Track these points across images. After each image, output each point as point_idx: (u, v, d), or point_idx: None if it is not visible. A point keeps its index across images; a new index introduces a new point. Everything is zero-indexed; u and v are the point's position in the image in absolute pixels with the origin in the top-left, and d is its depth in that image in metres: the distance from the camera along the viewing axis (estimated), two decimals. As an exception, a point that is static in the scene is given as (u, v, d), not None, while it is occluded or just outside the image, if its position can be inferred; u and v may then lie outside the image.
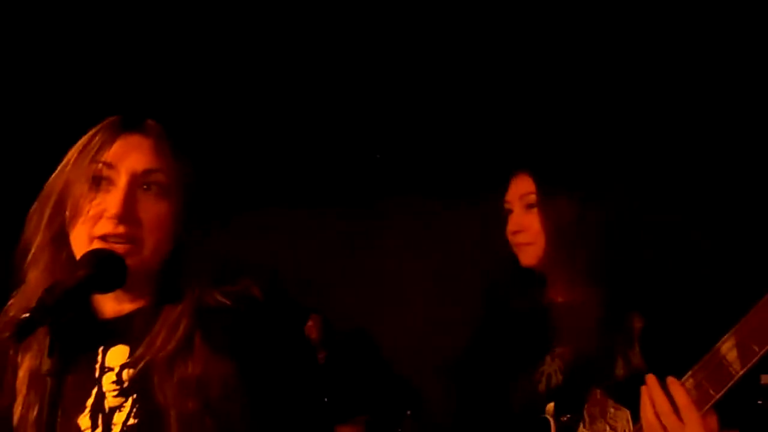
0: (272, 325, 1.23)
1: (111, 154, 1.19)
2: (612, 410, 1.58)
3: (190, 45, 3.41)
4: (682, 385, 1.34)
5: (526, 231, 1.70)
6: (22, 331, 0.96)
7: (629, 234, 1.69)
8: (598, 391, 1.60)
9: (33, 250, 1.21)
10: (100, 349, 1.22)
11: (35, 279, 1.21)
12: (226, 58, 3.55)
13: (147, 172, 1.19)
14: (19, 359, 1.22)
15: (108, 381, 1.20)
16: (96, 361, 1.21)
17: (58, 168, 1.22)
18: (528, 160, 1.75)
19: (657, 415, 1.35)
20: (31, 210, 1.22)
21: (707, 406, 1.31)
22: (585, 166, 1.77)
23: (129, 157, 1.19)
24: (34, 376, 1.19)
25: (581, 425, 1.62)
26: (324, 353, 4.44)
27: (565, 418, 1.64)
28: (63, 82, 3.52)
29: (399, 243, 4.87)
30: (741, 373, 1.27)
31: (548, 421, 1.65)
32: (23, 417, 1.19)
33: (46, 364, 0.97)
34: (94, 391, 1.20)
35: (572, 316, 1.65)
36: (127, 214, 1.16)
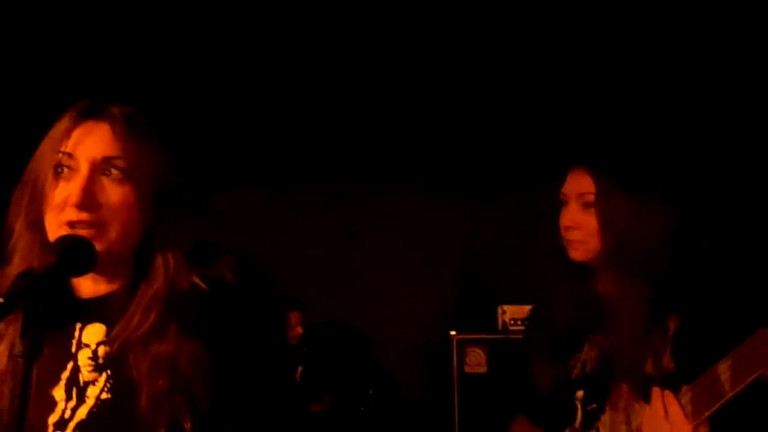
0: (242, 311, 1.28)
1: (70, 143, 1.23)
2: (635, 405, 1.63)
3: (164, 22, 3.40)
4: (677, 397, 1.44)
5: (580, 229, 1.71)
6: None
7: (683, 233, 1.71)
8: (624, 384, 1.65)
9: (14, 235, 1.26)
10: (78, 326, 1.27)
11: (16, 263, 1.25)
12: (212, 38, 3.54)
13: (106, 159, 1.23)
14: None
15: (84, 357, 1.26)
16: (73, 337, 1.27)
17: (33, 156, 1.27)
18: (589, 158, 1.75)
19: (655, 421, 1.46)
20: (13, 195, 1.27)
21: (699, 420, 1.39)
22: (645, 164, 1.77)
23: (86, 144, 1.23)
24: (12, 351, 1.23)
25: (602, 416, 1.68)
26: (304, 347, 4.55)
27: (591, 408, 1.70)
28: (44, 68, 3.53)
29: (378, 231, 4.92)
30: (730, 395, 1.33)
31: (576, 407, 1.72)
32: (1, 389, 1.24)
33: (19, 346, 1.02)
34: (70, 365, 1.26)
35: (615, 308, 1.69)
36: (87, 202, 1.20)
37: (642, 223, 1.67)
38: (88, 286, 1.28)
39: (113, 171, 1.22)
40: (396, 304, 4.75)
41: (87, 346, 1.26)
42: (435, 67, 3.77)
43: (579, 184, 1.73)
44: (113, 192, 1.22)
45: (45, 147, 1.26)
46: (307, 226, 4.98)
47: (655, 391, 1.49)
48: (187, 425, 1.19)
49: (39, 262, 1.21)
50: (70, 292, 1.29)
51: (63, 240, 1.17)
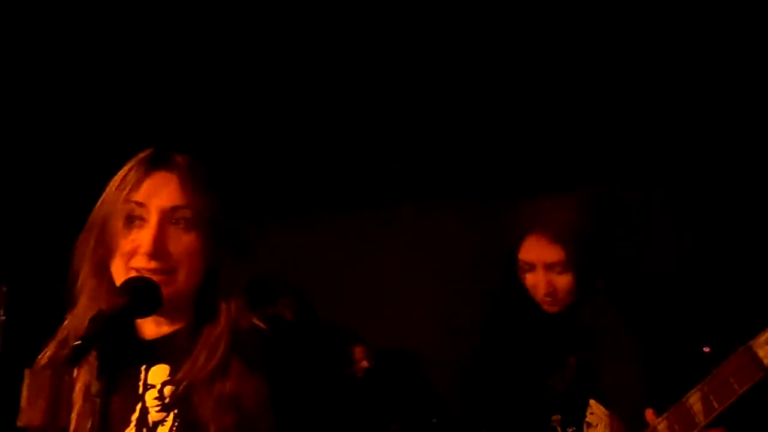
0: (302, 348, 1.31)
1: (141, 193, 1.29)
2: (606, 419, 1.72)
3: (200, 58, 3.51)
4: (656, 429, 1.55)
5: (558, 290, 1.80)
6: (75, 357, 1.06)
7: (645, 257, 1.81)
8: (593, 400, 1.74)
9: (80, 279, 1.32)
10: (143, 368, 1.32)
11: (83, 305, 1.31)
12: (228, 60, 3.60)
13: (175, 208, 1.28)
14: (74, 377, 1.31)
15: (151, 397, 1.31)
16: (139, 379, 1.32)
17: (99, 201, 1.33)
18: (555, 228, 1.79)
19: None
20: (78, 239, 1.33)
21: None
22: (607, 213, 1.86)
23: (158, 195, 1.29)
24: (88, 391, 1.27)
25: None
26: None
27: (571, 429, 1.77)
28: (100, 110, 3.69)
29: (402, 250, 4.92)
30: (704, 423, 1.45)
31: (556, 431, 1.79)
32: (80, 426, 1.29)
33: (95, 386, 1.06)
34: (139, 406, 1.31)
35: (586, 331, 1.79)
36: (158, 251, 1.26)
37: (613, 257, 1.79)
38: (150, 327, 1.33)
39: (181, 220, 1.28)
40: (430, 325, 4.74)
41: (153, 386, 1.31)
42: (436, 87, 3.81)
43: (545, 253, 1.79)
44: (181, 240, 1.28)
45: (113, 195, 1.31)
46: (328, 254, 5.03)
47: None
48: None
49: (105, 305, 1.24)
50: (134, 334, 1.34)
51: (131, 282, 1.22)
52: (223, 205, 1.33)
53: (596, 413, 1.73)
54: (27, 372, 1.28)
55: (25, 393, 1.27)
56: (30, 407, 1.26)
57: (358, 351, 4.70)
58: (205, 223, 1.29)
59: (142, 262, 1.25)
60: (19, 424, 1.27)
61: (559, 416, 1.78)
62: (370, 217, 4.99)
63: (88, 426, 1.25)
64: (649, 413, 1.58)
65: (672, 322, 1.74)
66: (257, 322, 1.28)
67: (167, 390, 1.30)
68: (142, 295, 1.20)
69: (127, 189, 1.29)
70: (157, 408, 1.30)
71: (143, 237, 1.26)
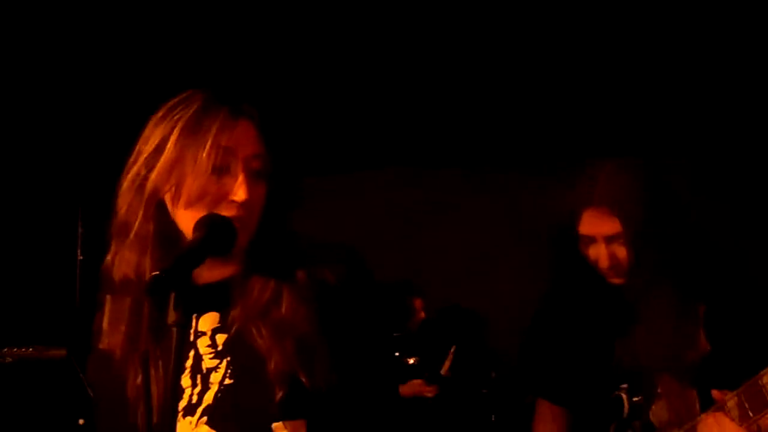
0: (350, 304, 1.32)
1: (231, 140, 1.26)
2: (681, 391, 1.69)
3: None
4: (725, 408, 1.54)
5: (621, 262, 1.77)
6: (154, 288, 1.07)
7: (697, 227, 1.80)
8: (667, 374, 1.72)
9: (132, 220, 1.28)
10: (193, 315, 1.32)
11: (132, 247, 1.29)
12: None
13: (254, 157, 1.28)
14: (144, 316, 1.31)
15: (203, 344, 1.32)
16: (190, 326, 1.31)
17: (151, 145, 1.27)
18: (611, 200, 1.77)
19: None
20: (127, 180, 1.29)
21: (747, 424, 1.49)
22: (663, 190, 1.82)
23: (243, 143, 1.27)
24: (157, 322, 1.28)
25: (653, 406, 1.73)
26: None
27: (638, 399, 1.75)
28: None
29: (484, 212, 4.91)
30: None
31: (621, 399, 1.77)
32: (154, 356, 1.30)
33: (172, 317, 1.06)
34: (192, 353, 1.32)
35: (648, 302, 1.75)
36: (249, 199, 1.25)
37: (667, 230, 1.74)
38: (202, 273, 1.30)
39: (255, 170, 1.28)
40: (502, 289, 4.73)
41: (204, 334, 1.32)
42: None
43: (604, 227, 1.76)
44: (255, 189, 1.27)
45: (189, 139, 1.25)
46: (412, 208, 5.03)
47: (706, 417, 1.58)
48: (305, 379, 1.23)
49: (157, 248, 1.27)
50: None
51: (209, 218, 1.22)
52: (284, 157, 1.33)
53: (666, 384, 1.71)
54: (108, 298, 1.32)
55: (106, 318, 1.31)
56: (111, 331, 1.31)
57: (417, 302, 4.78)
58: (270, 174, 1.30)
59: (232, 210, 1.24)
60: (101, 346, 1.32)
61: (627, 385, 1.77)
62: (457, 177, 4.99)
63: (159, 369, 1.29)
64: (715, 392, 1.56)
65: (729, 292, 1.72)
66: (306, 278, 1.29)
67: (219, 338, 1.31)
68: (219, 231, 1.20)
69: (212, 134, 1.25)
70: (211, 355, 1.31)
71: (238, 186, 1.25)
